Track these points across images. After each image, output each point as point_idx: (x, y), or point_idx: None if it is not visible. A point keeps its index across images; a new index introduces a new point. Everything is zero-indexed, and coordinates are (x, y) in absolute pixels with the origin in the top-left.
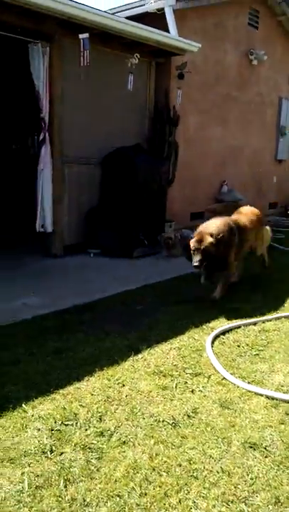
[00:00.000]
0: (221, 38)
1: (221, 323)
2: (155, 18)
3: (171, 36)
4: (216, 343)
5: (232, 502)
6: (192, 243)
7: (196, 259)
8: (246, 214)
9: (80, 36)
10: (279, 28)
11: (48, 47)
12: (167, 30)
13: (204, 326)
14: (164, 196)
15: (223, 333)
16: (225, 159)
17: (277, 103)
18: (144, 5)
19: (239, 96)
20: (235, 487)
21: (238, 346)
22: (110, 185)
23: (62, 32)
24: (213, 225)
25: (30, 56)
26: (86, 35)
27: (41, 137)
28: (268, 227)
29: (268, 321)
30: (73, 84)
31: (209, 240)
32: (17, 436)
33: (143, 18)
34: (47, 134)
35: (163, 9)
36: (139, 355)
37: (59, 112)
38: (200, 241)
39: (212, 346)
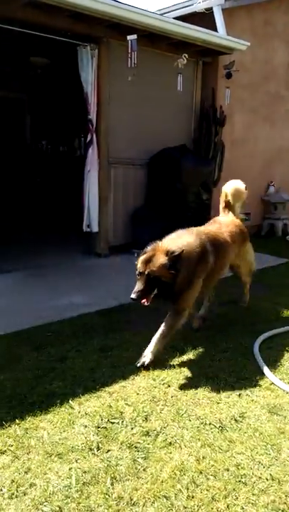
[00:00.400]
0: (270, 35)
1: (268, 327)
2: (202, 18)
3: (220, 35)
4: (264, 347)
5: (283, 510)
6: (138, 262)
7: (135, 289)
8: (226, 225)
9: (128, 38)
10: None
11: (96, 49)
12: (214, 29)
13: (250, 329)
14: (209, 197)
15: (271, 337)
16: (272, 159)
17: None
18: (192, 5)
19: (288, 95)
20: (286, 496)
21: (287, 351)
22: (156, 187)
23: (111, 34)
24: (178, 239)
25: (79, 59)
26: (134, 36)
27: (88, 139)
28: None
29: None
30: (121, 85)
31: (161, 260)
32: (64, 431)
33: (190, 18)
34: (94, 136)
35: (211, 8)
36: (184, 357)
37: (106, 113)
38: (148, 261)
39: (260, 350)
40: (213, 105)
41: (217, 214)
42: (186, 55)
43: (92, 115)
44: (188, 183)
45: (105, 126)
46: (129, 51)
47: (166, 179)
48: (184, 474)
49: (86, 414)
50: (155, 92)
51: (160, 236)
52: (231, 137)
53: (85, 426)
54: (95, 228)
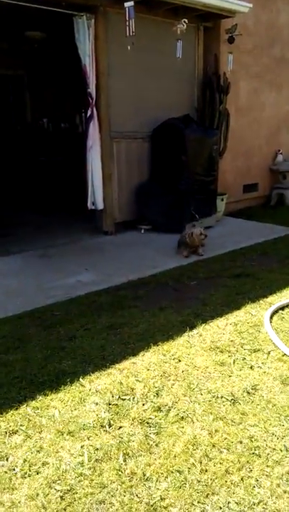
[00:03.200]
0: None
1: (280, 298)
2: None
3: None
4: (275, 318)
5: None
6: None
7: None
8: None
9: (126, 4)
10: None
11: (93, 19)
12: None
13: (261, 301)
14: (215, 168)
15: (282, 308)
16: (279, 127)
17: None
18: None
19: None
20: None
21: None
22: (160, 160)
23: (107, 2)
24: None
25: (75, 29)
26: (131, 3)
27: (89, 113)
28: None
29: None
30: (120, 56)
31: None
32: (75, 409)
33: None
34: (94, 110)
35: None
36: (195, 331)
37: (106, 86)
38: None
39: (271, 322)
40: (216, 72)
41: (224, 184)
42: (186, 20)
43: (92, 88)
44: (194, 154)
45: (105, 99)
46: (127, 19)
47: (170, 151)
48: (197, 448)
49: (97, 391)
50: (156, 61)
51: (167, 210)
52: (236, 105)
53: (96, 403)
54: (100, 206)
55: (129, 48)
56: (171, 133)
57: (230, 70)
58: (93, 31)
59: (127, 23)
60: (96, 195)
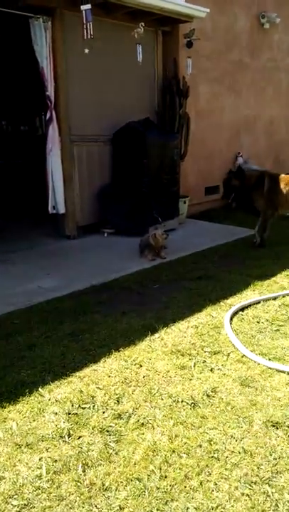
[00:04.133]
0: (229, 1)
1: (240, 299)
2: None
3: (177, 2)
4: (235, 319)
5: (255, 483)
6: None
7: None
8: None
9: (82, 7)
10: None
11: (49, 21)
12: None
13: (222, 303)
14: (176, 171)
15: (242, 309)
16: (239, 130)
17: None
18: None
19: (251, 62)
20: (258, 468)
21: (258, 322)
22: (121, 163)
23: (64, 5)
24: None
25: (32, 32)
26: (88, 6)
27: (48, 116)
28: None
29: (288, 295)
30: (78, 59)
31: None
32: (34, 421)
33: None
34: (53, 113)
35: None
36: (156, 335)
37: (65, 88)
38: None
39: (231, 323)
40: (175, 76)
41: (186, 187)
42: (143, 24)
43: (50, 91)
44: (155, 157)
45: (64, 102)
46: (84, 22)
47: (131, 155)
48: (157, 454)
49: (56, 401)
50: (115, 64)
51: (129, 214)
52: (196, 109)
53: (56, 413)
54: (62, 209)
55: (87, 51)
56: (132, 136)
57: (189, 74)
58: (50, 34)
59: (85, 26)
60: (57, 198)
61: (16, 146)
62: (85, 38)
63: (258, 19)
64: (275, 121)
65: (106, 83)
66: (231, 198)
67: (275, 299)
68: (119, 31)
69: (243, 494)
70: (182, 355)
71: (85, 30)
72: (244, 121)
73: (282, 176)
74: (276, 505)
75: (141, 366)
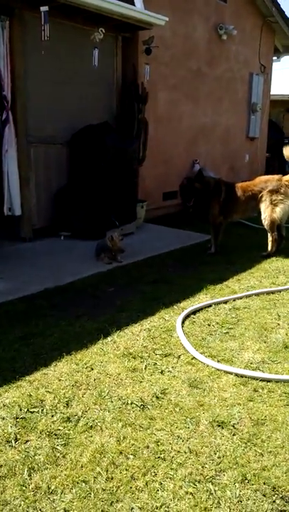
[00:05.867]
0: (189, 11)
1: (192, 303)
2: None
3: (136, 9)
4: (187, 322)
5: (199, 482)
6: None
7: None
8: None
9: (41, 9)
10: (248, 2)
11: (7, 21)
12: (132, 3)
13: (175, 306)
14: (135, 176)
15: (194, 312)
16: (196, 137)
17: (248, 79)
18: None
19: (209, 72)
20: (202, 466)
21: (209, 325)
22: (79, 166)
23: (23, 6)
24: None
25: None
26: (46, 8)
27: (4, 116)
28: None
29: (238, 298)
30: (37, 60)
31: None
32: None
33: None
34: (10, 113)
35: None
36: (109, 338)
37: (22, 89)
38: None
39: (182, 326)
40: (134, 82)
41: (144, 192)
42: (103, 30)
43: (7, 91)
44: (113, 161)
45: (22, 103)
46: (42, 23)
47: (89, 158)
48: (104, 456)
49: (4, 405)
50: (75, 67)
51: (86, 217)
52: (155, 115)
53: (3, 418)
54: (18, 211)
55: (43, 52)
56: (90, 139)
57: (147, 80)
58: (8, 33)
59: (43, 28)
60: (13, 200)
61: None
62: (43, 39)
63: (216, 30)
64: (231, 130)
65: (65, 85)
66: (192, 201)
67: (225, 302)
68: (79, 35)
69: (187, 493)
70: (134, 357)
71: (43, 32)
72: (201, 129)
73: (239, 184)
74: (218, 502)
75: (92, 369)
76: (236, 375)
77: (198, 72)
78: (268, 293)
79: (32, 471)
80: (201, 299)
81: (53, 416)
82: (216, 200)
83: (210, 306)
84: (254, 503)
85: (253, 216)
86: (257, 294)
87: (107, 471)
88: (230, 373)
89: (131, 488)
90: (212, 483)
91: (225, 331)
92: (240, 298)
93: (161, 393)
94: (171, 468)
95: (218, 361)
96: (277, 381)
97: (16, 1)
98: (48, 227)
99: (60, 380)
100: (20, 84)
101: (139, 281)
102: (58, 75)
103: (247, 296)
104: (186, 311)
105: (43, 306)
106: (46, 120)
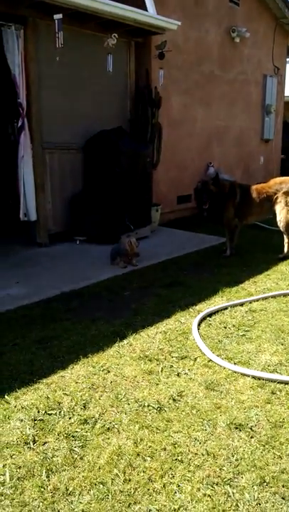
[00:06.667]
0: (201, 15)
1: (208, 306)
2: None
3: (149, 14)
4: (203, 325)
5: (217, 484)
6: None
7: None
8: None
9: (55, 17)
10: (260, 4)
11: (22, 29)
12: (145, 9)
13: (191, 309)
14: (149, 180)
15: (210, 315)
16: (210, 140)
17: (262, 81)
18: None
19: (222, 75)
20: (220, 469)
21: (225, 328)
22: (94, 171)
23: (37, 14)
24: None
25: (4, 40)
26: (60, 15)
27: (20, 123)
28: None
29: (255, 301)
30: (51, 67)
31: None
32: None
33: None
34: (25, 120)
35: None
36: (125, 341)
37: (37, 96)
38: None
39: (198, 329)
40: (147, 86)
41: (158, 196)
42: (116, 35)
43: (22, 98)
44: (128, 166)
45: (37, 110)
46: (56, 31)
47: (104, 163)
48: (122, 458)
49: (22, 407)
50: (88, 73)
51: (101, 221)
52: (169, 119)
53: (21, 420)
54: (33, 217)
55: (57, 58)
56: (105, 145)
57: (161, 84)
58: (22, 42)
59: (57, 35)
60: (28, 206)
61: None
62: (57, 46)
63: (229, 33)
64: (245, 133)
65: (79, 91)
66: (207, 204)
67: (242, 305)
68: (92, 41)
69: (204, 495)
70: (150, 360)
71: (57, 39)
72: (215, 132)
73: (253, 186)
74: (236, 505)
75: (109, 372)
76: (253, 377)
77: (211, 75)
78: (284, 295)
79: (50, 472)
80: (217, 301)
81: (70, 418)
82: (230, 203)
83: (226, 308)
84: (273, 506)
85: (269, 218)
86: (274, 296)
87: (125, 472)
88: (248, 376)
89: (148, 490)
90: (230, 486)
91: (241, 334)
92: (257, 300)
93: (177, 395)
94: (189, 471)
95: (234, 363)
96: None
97: (30, 9)
98: (64, 232)
99: (77, 382)
100: (35, 91)
101: (154, 284)
102: (72, 81)
103: (263, 299)
104: (202, 314)
105: (60, 310)
106: (61, 126)
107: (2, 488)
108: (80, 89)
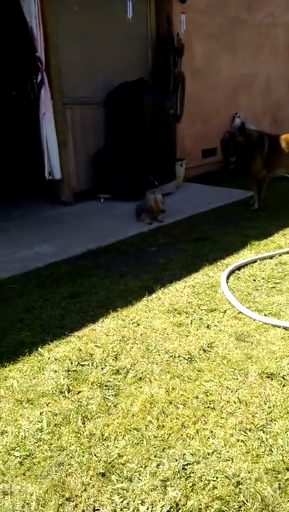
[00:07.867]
0: None
1: (236, 259)
2: None
3: None
4: (232, 278)
5: (250, 430)
6: None
7: None
8: None
9: None
10: None
11: None
12: None
13: (219, 263)
14: (172, 133)
15: (239, 268)
16: (236, 90)
17: None
18: None
19: (248, 18)
20: (252, 416)
21: (254, 280)
22: (116, 125)
23: None
24: None
25: None
26: None
27: (39, 78)
28: None
29: (285, 253)
30: (69, 16)
31: None
32: (34, 378)
33: None
34: (45, 75)
35: None
36: (154, 295)
37: (55, 48)
38: None
39: (227, 282)
40: (169, 33)
41: (182, 150)
42: None
43: (40, 52)
44: (151, 119)
45: (56, 63)
46: None
47: (126, 117)
48: (154, 406)
49: (56, 359)
50: (107, 22)
51: (125, 178)
52: (192, 68)
53: (55, 371)
54: (58, 175)
55: (75, 8)
56: (127, 97)
57: (183, 30)
58: None
59: None
60: (53, 164)
61: (8, 112)
62: None
63: None
64: (272, 80)
65: (98, 41)
66: (234, 157)
67: (271, 257)
68: None
69: (238, 440)
70: (179, 313)
71: None
72: (241, 81)
73: (283, 136)
74: (270, 450)
75: (138, 325)
76: (284, 328)
77: (236, 19)
78: None
79: (86, 419)
80: (246, 254)
81: (102, 369)
82: (258, 154)
83: (255, 261)
84: None
85: None
86: None
87: (158, 419)
88: (279, 327)
89: (182, 435)
90: (263, 432)
91: (271, 286)
92: (287, 252)
93: (208, 346)
94: (221, 418)
95: (265, 315)
96: None
97: None
98: (88, 190)
99: (107, 335)
100: (53, 44)
101: (181, 240)
102: (90, 31)
103: None
104: (230, 267)
105: (87, 267)
106: (81, 79)
107: (40, 434)
108: (99, 38)
